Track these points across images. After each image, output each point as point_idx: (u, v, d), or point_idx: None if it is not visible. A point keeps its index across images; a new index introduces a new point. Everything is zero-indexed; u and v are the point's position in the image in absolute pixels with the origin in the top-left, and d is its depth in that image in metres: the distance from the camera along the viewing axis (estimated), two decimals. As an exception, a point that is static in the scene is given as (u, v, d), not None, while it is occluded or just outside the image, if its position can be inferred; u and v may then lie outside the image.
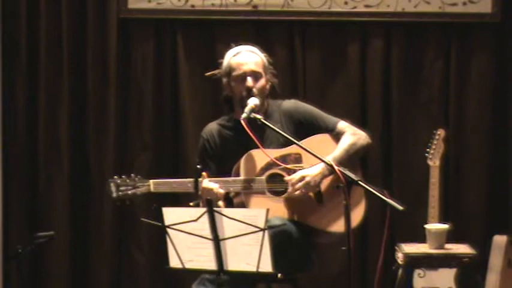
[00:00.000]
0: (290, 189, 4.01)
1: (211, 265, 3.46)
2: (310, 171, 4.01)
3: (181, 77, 5.34)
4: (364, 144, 4.17)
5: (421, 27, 5.35)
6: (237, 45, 4.23)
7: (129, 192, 4.03)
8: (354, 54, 5.35)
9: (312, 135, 4.11)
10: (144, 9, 5.29)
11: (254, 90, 4.07)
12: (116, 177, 4.06)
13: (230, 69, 4.15)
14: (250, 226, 3.37)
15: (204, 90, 5.33)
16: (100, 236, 5.33)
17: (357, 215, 4.06)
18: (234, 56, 4.16)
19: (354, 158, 4.10)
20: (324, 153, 3.87)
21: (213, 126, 4.24)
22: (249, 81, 4.09)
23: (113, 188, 4.03)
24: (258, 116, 3.96)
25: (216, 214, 3.40)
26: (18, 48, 5.28)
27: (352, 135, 4.14)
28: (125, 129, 5.38)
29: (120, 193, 4.03)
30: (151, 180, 4.05)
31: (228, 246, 3.43)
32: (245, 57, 4.14)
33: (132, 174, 4.05)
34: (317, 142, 4.04)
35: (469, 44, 5.34)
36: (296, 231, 3.98)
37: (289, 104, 4.22)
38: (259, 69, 4.13)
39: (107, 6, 5.28)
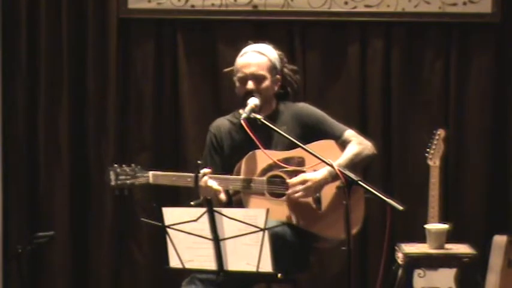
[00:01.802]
0: (290, 191, 4.01)
1: (211, 265, 3.47)
2: (313, 175, 4.00)
3: (181, 77, 5.34)
4: (370, 155, 4.15)
5: (421, 27, 5.35)
6: (252, 43, 4.21)
7: (128, 182, 4.04)
8: (354, 54, 5.35)
9: (318, 140, 4.10)
10: (144, 9, 5.29)
11: (255, 94, 4.06)
12: (116, 165, 4.06)
13: (236, 70, 4.15)
14: (250, 226, 3.37)
15: (204, 90, 5.34)
16: (100, 236, 5.33)
17: (356, 222, 4.03)
18: (241, 56, 4.16)
19: (357, 167, 4.06)
20: (327, 159, 3.84)
21: (221, 122, 4.24)
22: (250, 84, 4.08)
23: (112, 177, 4.04)
24: (258, 116, 3.95)
25: (216, 214, 3.40)
26: (18, 47, 5.28)
27: (358, 145, 4.12)
28: (125, 129, 5.38)
29: (118, 182, 4.03)
30: (150, 172, 4.06)
31: (228, 246, 3.43)
32: (249, 59, 4.13)
33: (133, 164, 4.06)
34: (322, 147, 4.01)
35: (469, 44, 5.34)
36: (291, 233, 3.96)
37: (299, 106, 4.21)
38: (263, 72, 4.11)
39: (107, 6, 5.28)
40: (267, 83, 4.11)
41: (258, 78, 4.09)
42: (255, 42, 4.25)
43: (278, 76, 4.18)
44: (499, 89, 5.36)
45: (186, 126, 5.33)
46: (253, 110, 3.97)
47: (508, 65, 5.34)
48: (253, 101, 4.01)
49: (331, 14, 5.30)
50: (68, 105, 5.32)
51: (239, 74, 4.12)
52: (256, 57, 4.13)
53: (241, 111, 4.13)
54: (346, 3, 5.29)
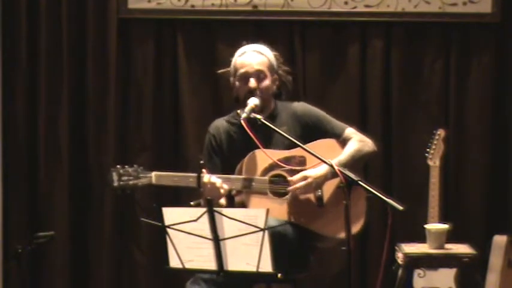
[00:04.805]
0: (291, 187, 4.00)
1: (211, 265, 3.46)
2: (313, 172, 4.00)
3: (181, 77, 5.34)
4: (370, 151, 4.16)
5: (421, 27, 5.35)
6: (247, 44, 4.22)
7: (131, 182, 4.01)
8: (354, 55, 5.35)
9: (319, 139, 4.10)
10: (144, 9, 5.29)
11: (257, 91, 4.06)
12: (118, 166, 4.04)
13: (235, 69, 4.15)
14: (250, 226, 3.37)
15: (204, 90, 5.34)
16: (100, 236, 5.33)
17: (356, 220, 4.03)
18: (240, 56, 4.16)
19: (358, 164, 4.07)
20: (329, 157, 3.81)
21: (219, 123, 4.24)
22: (252, 82, 4.08)
23: (115, 177, 4.00)
24: (258, 116, 3.95)
25: (216, 214, 3.40)
26: (18, 48, 5.28)
27: (359, 142, 4.13)
28: (125, 129, 5.38)
29: (121, 182, 4.01)
30: (153, 172, 4.03)
31: (228, 246, 3.43)
32: (249, 58, 4.13)
33: (135, 165, 4.04)
34: (322, 146, 4.02)
35: (469, 44, 5.35)
36: (292, 232, 3.96)
37: (298, 106, 4.21)
38: (264, 69, 4.12)
39: (107, 6, 5.29)
40: (267, 81, 4.12)
41: (259, 77, 4.10)
42: (253, 43, 4.25)
43: (276, 76, 4.19)
44: (499, 89, 5.36)
45: (186, 126, 5.33)
46: (253, 110, 3.97)
47: (508, 65, 5.34)
48: (253, 101, 4.01)
49: (331, 14, 5.30)
50: (68, 106, 5.32)
51: (241, 71, 4.11)
52: (257, 56, 4.14)
53: (239, 111, 4.14)
54: (346, 3, 5.29)
